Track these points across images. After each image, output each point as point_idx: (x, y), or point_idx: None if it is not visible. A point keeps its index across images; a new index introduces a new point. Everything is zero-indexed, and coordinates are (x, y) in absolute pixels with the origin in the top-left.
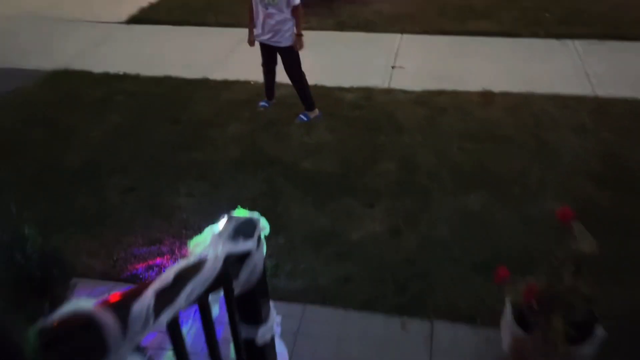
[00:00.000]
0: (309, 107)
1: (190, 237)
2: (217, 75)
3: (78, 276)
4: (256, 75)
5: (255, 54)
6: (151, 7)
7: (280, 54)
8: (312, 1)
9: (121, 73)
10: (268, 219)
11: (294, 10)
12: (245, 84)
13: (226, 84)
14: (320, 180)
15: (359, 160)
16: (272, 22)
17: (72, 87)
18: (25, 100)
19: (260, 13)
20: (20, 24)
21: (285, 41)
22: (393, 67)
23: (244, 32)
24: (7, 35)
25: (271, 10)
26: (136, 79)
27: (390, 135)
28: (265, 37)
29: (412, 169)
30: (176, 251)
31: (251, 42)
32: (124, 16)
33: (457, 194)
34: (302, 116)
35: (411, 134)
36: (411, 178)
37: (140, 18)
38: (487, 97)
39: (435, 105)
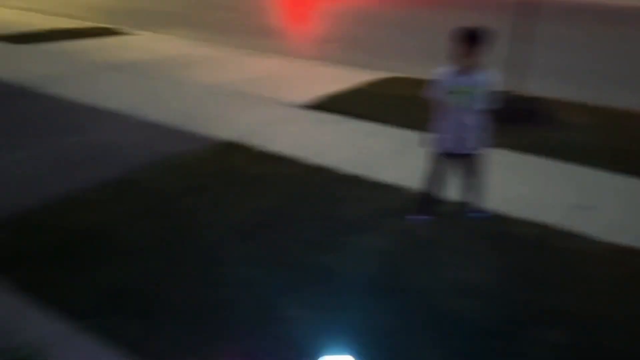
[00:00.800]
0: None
1: None
2: (379, 175)
3: None
4: (416, 183)
5: (419, 160)
6: (336, 95)
7: (469, 160)
8: (506, 117)
9: (284, 155)
10: None
11: (485, 113)
12: (404, 191)
13: (384, 188)
14: (463, 333)
15: (516, 316)
16: (466, 127)
17: (234, 161)
18: (187, 165)
19: (450, 116)
20: (212, 92)
21: (477, 147)
22: (582, 208)
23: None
24: (198, 101)
25: (464, 114)
26: (295, 163)
27: (560, 295)
28: (453, 144)
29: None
30: None
31: (426, 145)
32: (307, 100)
33: None
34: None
35: (594, 302)
36: None
37: (321, 105)
38: None
39: (636, 268)
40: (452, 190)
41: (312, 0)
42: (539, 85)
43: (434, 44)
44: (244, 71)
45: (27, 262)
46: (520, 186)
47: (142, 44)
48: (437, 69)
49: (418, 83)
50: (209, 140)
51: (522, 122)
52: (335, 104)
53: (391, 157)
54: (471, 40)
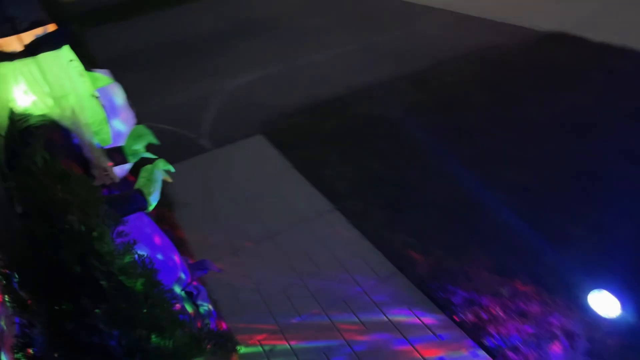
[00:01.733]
0: None
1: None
2: None
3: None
4: None
5: None
6: None
7: None
8: None
9: (620, 46)
10: None
11: None
12: None
13: None
14: None
15: None
16: None
17: (555, 54)
18: (500, 58)
19: None
20: None
21: None
22: None
23: None
24: None
25: None
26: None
27: None
28: None
29: None
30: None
31: None
32: None
33: None
34: None
35: None
36: None
37: None
38: None
39: None
40: None
41: None
42: None
43: None
44: None
45: (308, 145)
46: None
47: None
48: None
49: None
50: (531, 32)
51: None
52: None
53: None
54: None
